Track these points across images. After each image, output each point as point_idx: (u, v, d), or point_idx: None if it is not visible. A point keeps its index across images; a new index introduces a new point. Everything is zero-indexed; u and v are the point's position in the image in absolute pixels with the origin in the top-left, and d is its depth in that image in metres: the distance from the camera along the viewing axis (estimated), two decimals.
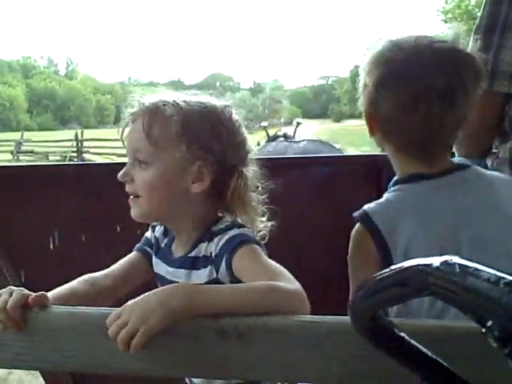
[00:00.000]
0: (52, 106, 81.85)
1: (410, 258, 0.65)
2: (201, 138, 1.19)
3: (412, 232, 1.23)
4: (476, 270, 0.58)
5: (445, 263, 0.61)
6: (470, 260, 0.60)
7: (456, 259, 0.61)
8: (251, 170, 1.26)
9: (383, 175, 2.30)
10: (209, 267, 1.18)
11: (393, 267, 0.68)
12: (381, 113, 1.27)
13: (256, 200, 1.27)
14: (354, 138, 31.45)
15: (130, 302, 0.93)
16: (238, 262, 1.11)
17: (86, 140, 25.04)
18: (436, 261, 0.62)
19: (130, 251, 2.03)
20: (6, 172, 2.11)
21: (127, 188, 1.23)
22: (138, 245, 1.41)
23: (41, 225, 1.99)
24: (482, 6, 1.99)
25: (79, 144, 24.39)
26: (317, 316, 0.93)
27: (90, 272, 2.02)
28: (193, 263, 1.22)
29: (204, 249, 1.20)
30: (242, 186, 1.22)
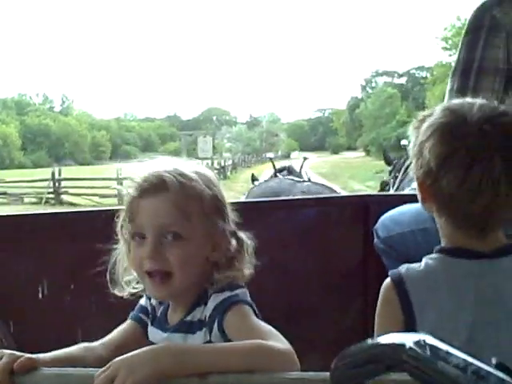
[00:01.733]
0: (47, 142, 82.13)
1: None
2: (219, 209, 1.26)
3: (441, 314, 1.23)
4: (447, 353, 0.62)
5: (417, 343, 0.65)
6: (442, 341, 0.64)
7: (429, 340, 0.65)
8: (245, 236, 1.31)
9: (371, 215, 2.36)
10: (203, 330, 1.21)
11: (369, 341, 0.72)
12: (440, 189, 1.26)
13: (249, 260, 1.30)
14: (355, 171, 31.44)
15: (118, 358, 0.98)
16: (229, 323, 1.15)
17: (65, 179, 24.12)
18: (409, 339, 0.66)
19: (119, 298, 2.06)
20: None
21: (153, 265, 1.20)
22: (132, 313, 1.40)
23: (29, 274, 2.02)
24: (458, 50, 2.09)
25: (56, 184, 23.40)
26: (303, 372, 0.97)
27: (79, 320, 2.06)
28: (188, 327, 1.24)
29: (199, 313, 1.23)
30: (241, 252, 1.28)
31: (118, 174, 22.70)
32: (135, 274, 1.30)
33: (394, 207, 2.20)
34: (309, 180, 6.22)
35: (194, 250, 1.22)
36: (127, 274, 1.32)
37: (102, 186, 21.95)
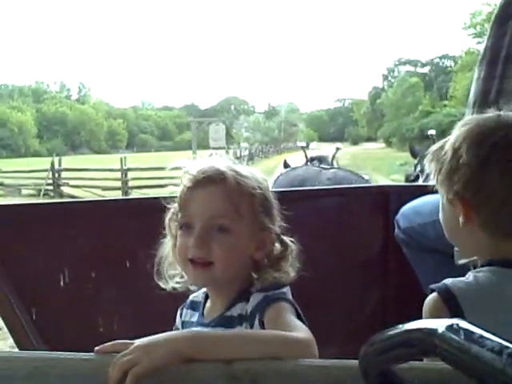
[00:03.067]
0: (62, 131, 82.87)
1: None
2: (269, 210, 1.32)
3: (499, 326, 1.19)
4: (480, 337, 0.62)
5: (450, 328, 0.65)
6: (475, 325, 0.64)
7: (462, 324, 0.65)
8: (289, 240, 1.35)
9: (391, 205, 2.38)
10: (243, 324, 1.25)
11: (401, 327, 0.73)
12: (487, 195, 1.21)
13: (293, 263, 1.34)
14: (377, 163, 30.95)
15: (140, 340, 1.02)
16: (267, 319, 1.19)
17: (66, 170, 22.56)
18: (442, 324, 0.66)
19: (139, 286, 2.11)
20: (17, 210, 2.20)
21: (196, 253, 1.25)
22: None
23: (51, 262, 2.08)
24: (486, 39, 2.09)
25: (55, 175, 21.82)
26: (327, 360, 0.99)
27: (100, 308, 2.11)
28: (228, 322, 1.27)
29: (240, 308, 1.27)
30: (285, 255, 1.32)
31: (122, 164, 21.60)
32: (179, 269, 1.35)
33: (414, 198, 2.22)
34: (331, 163, 6.17)
35: (238, 245, 1.26)
36: (172, 268, 1.37)
37: (105, 177, 21.11)
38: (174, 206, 1.35)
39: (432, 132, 6.68)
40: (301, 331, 1.10)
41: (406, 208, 2.21)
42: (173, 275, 1.37)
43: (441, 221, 1.40)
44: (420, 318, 1.25)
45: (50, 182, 21.62)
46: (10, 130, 71.19)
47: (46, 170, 21.90)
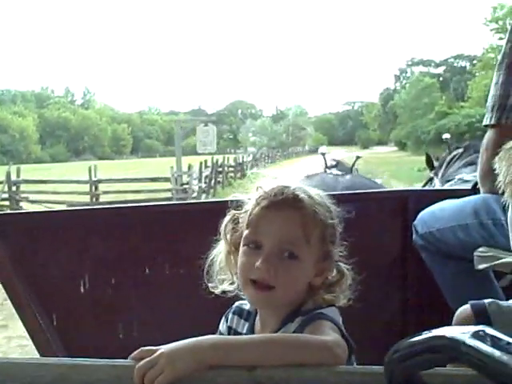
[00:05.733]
0: (65, 136, 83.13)
1: None
2: (333, 239, 1.33)
3: None
4: (508, 344, 0.65)
5: (477, 334, 0.68)
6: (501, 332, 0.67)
7: (488, 330, 0.68)
8: (345, 267, 1.37)
9: (410, 210, 2.43)
10: None
11: (426, 333, 0.75)
12: None
13: (346, 290, 1.36)
14: (393, 168, 30.05)
15: (162, 347, 1.07)
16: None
17: (26, 182, 19.52)
18: (468, 331, 0.69)
19: (159, 292, 2.19)
20: (37, 218, 2.29)
21: (260, 275, 1.26)
22: None
23: (71, 269, 2.16)
24: (505, 43, 2.14)
25: (12, 187, 18.67)
26: (350, 366, 1.05)
27: (120, 314, 2.19)
28: None
29: (288, 329, 1.28)
30: (341, 281, 1.35)
31: (90, 175, 19.26)
32: (230, 275, 1.38)
33: (433, 203, 2.28)
34: (351, 172, 6.14)
35: (303, 273, 1.28)
36: (222, 273, 1.40)
37: (72, 190, 19.04)
38: (233, 213, 1.37)
39: (447, 136, 6.64)
40: (328, 336, 1.13)
41: (425, 213, 2.26)
42: (223, 280, 1.40)
43: (508, 225, 1.35)
44: (440, 322, 1.30)
45: (6, 196, 18.47)
46: (10, 135, 71.32)
47: (1, 183, 18.56)
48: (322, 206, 1.30)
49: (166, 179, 19.11)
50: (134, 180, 20.24)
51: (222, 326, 1.46)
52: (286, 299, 1.29)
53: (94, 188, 19.39)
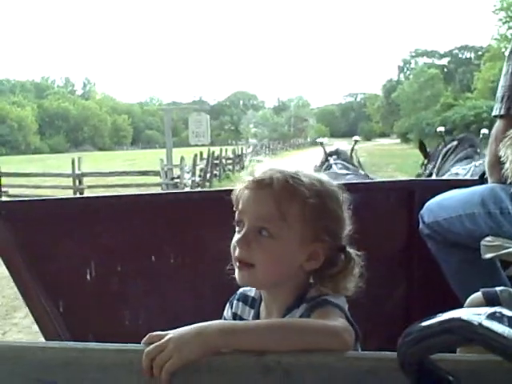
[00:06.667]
0: (65, 127, 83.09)
1: None
2: (326, 221, 1.31)
3: None
4: None
5: (493, 315, 0.69)
6: None
7: (505, 311, 0.69)
8: (354, 253, 1.36)
9: (416, 200, 2.44)
10: None
11: (440, 316, 0.76)
12: None
13: (355, 280, 1.34)
14: (398, 160, 29.47)
15: (171, 331, 1.09)
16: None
17: (5, 175, 18.56)
18: (483, 312, 0.70)
19: (165, 280, 2.21)
20: (44, 205, 2.31)
21: (239, 253, 1.30)
22: None
23: (78, 256, 2.17)
24: None
25: None
26: (360, 352, 1.06)
27: (126, 302, 2.21)
28: None
29: (295, 315, 1.30)
30: (348, 268, 1.34)
31: (73, 168, 18.36)
32: None
33: (439, 193, 2.29)
34: (353, 173, 6.13)
35: (283, 252, 1.28)
36: None
37: (55, 184, 18.21)
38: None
39: (441, 129, 6.63)
40: (336, 321, 1.15)
41: (431, 202, 2.28)
42: None
43: None
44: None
45: None
46: (9, 125, 71.18)
47: None
48: (302, 185, 1.29)
49: (156, 173, 18.04)
50: (121, 173, 18.96)
51: (227, 313, 1.48)
52: (267, 279, 1.31)
53: (77, 182, 18.53)
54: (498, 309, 0.70)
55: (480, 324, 0.69)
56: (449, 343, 0.77)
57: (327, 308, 1.23)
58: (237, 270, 1.32)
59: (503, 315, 0.68)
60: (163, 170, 17.61)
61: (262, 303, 1.40)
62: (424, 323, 0.78)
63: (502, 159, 1.23)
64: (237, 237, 1.32)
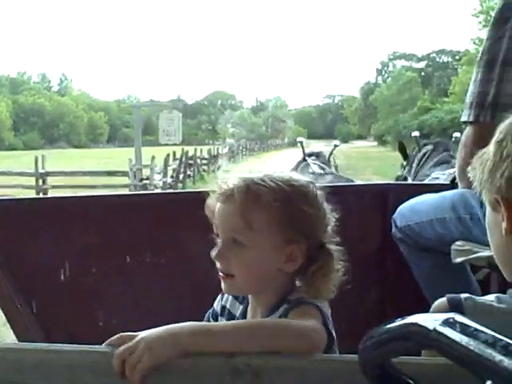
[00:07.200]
0: (40, 123, 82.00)
1: None
2: (296, 222, 1.31)
3: None
4: (475, 330, 0.68)
5: (446, 321, 0.70)
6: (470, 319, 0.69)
7: (458, 318, 0.70)
8: (335, 248, 1.36)
9: (389, 203, 2.48)
10: None
11: (398, 320, 0.78)
12: None
13: (336, 277, 1.35)
14: (375, 163, 29.26)
15: (143, 332, 1.10)
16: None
17: None
18: (439, 318, 0.71)
19: (139, 280, 2.22)
20: (18, 205, 2.30)
21: (219, 265, 1.34)
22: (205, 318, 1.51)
23: (52, 256, 2.17)
24: (484, 40, 2.20)
25: None
26: (326, 355, 1.08)
27: (100, 302, 2.21)
28: None
29: (276, 315, 1.32)
30: (327, 265, 1.34)
31: (36, 166, 17.37)
32: None
33: (412, 196, 2.33)
34: (331, 172, 6.17)
35: (257, 259, 1.31)
36: None
37: (18, 184, 16.51)
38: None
39: (416, 133, 6.72)
40: (307, 322, 1.16)
41: (404, 207, 2.31)
42: None
43: (487, 233, 1.23)
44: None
45: None
46: None
47: None
48: (264, 191, 1.29)
49: (125, 173, 16.97)
50: (87, 173, 18.51)
51: (217, 305, 1.50)
52: (249, 286, 1.35)
53: (41, 181, 17.41)
54: (452, 315, 0.72)
55: (434, 329, 0.71)
56: (407, 348, 0.79)
57: (303, 308, 1.25)
58: (221, 281, 1.36)
59: (456, 321, 0.70)
60: (132, 170, 16.55)
61: (250, 304, 1.43)
62: (385, 327, 0.80)
63: (470, 178, 1.21)
64: (214, 250, 1.35)
